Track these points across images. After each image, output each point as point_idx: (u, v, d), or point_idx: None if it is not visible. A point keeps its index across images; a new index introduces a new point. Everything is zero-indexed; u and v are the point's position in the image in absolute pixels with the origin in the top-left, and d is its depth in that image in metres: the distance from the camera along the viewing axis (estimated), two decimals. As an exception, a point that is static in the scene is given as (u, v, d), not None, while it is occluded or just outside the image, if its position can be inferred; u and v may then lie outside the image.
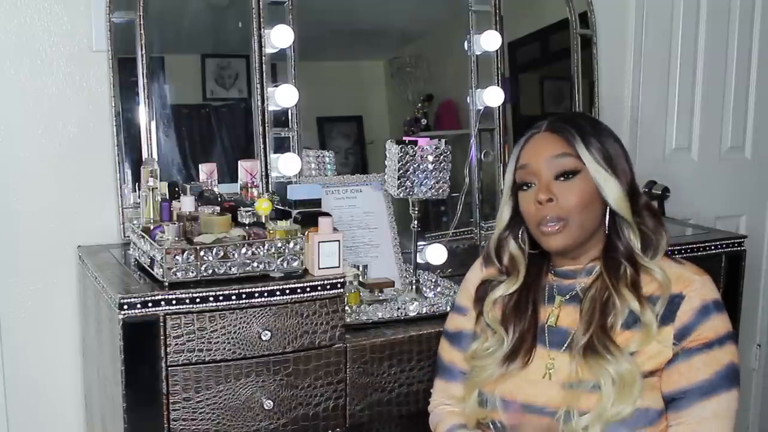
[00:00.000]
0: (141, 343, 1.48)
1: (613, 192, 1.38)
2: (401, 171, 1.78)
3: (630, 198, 1.40)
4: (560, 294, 1.46)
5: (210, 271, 1.52)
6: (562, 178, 1.40)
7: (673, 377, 1.34)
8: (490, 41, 2.17)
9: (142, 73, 1.88)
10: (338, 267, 1.61)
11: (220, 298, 1.51)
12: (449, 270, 2.03)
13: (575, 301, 1.43)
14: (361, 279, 1.85)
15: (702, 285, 1.37)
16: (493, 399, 1.42)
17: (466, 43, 2.21)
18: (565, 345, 1.40)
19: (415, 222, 1.85)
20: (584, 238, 1.42)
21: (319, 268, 1.60)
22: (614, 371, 1.31)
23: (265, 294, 1.54)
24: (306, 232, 1.61)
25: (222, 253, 1.53)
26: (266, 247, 1.56)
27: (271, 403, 1.57)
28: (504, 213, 1.49)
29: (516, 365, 1.41)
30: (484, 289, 1.52)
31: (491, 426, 1.44)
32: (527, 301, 1.46)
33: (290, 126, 2.00)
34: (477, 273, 1.57)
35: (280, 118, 1.99)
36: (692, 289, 1.35)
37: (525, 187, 1.44)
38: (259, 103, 1.95)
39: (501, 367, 1.42)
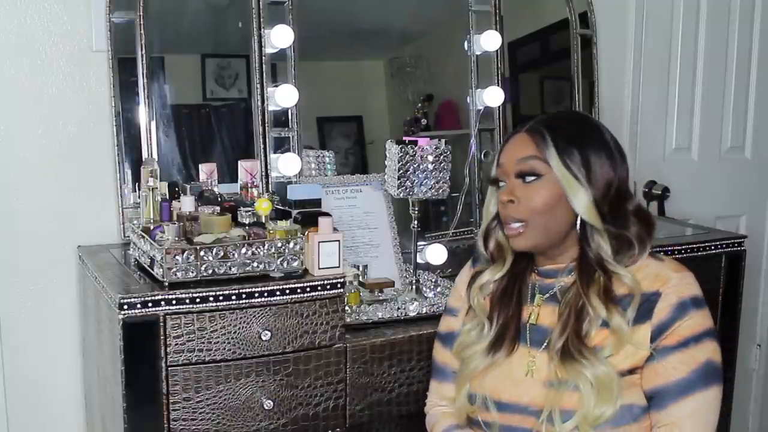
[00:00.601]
0: (141, 343, 1.48)
1: (580, 200, 1.37)
2: (401, 171, 1.78)
3: (610, 204, 1.39)
4: (541, 293, 1.46)
5: (210, 271, 1.52)
6: (525, 180, 1.40)
7: (651, 376, 1.35)
8: (490, 41, 2.17)
9: (142, 73, 1.88)
10: (338, 267, 1.61)
11: (220, 298, 1.51)
12: (449, 270, 2.03)
13: (554, 301, 1.44)
14: (361, 279, 1.85)
15: (680, 281, 1.36)
16: (480, 397, 1.43)
17: (466, 43, 2.21)
18: (544, 344, 1.41)
19: (415, 222, 1.85)
20: (551, 241, 1.42)
21: (319, 268, 1.60)
22: (591, 375, 1.32)
23: (265, 294, 1.54)
24: (306, 232, 1.61)
25: (222, 253, 1.53)
26: (266, 247, 1.56)
27: (271, 403, 1.57)
28: (490, 206, 1.50)
29: (501, 354, 1.42)
30: (472, 282, 1.53)
31: (481, 425, 1.44)
32: (512, 292, 1.47)
33: (290, 126, 2.00)
34: (466, 273, 1.59)
35: (280, 118, 1.99)
36: (669, 287, 1.35)
37: (499, 185, 1.46)
38: (259, 103, 1.95)
39: (486, 356, 1.43)
